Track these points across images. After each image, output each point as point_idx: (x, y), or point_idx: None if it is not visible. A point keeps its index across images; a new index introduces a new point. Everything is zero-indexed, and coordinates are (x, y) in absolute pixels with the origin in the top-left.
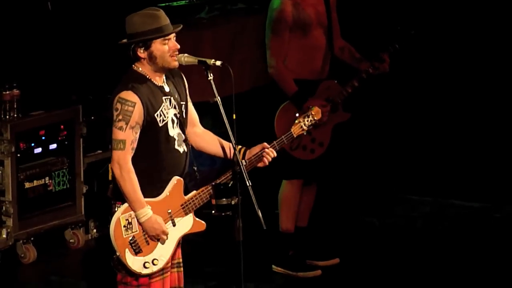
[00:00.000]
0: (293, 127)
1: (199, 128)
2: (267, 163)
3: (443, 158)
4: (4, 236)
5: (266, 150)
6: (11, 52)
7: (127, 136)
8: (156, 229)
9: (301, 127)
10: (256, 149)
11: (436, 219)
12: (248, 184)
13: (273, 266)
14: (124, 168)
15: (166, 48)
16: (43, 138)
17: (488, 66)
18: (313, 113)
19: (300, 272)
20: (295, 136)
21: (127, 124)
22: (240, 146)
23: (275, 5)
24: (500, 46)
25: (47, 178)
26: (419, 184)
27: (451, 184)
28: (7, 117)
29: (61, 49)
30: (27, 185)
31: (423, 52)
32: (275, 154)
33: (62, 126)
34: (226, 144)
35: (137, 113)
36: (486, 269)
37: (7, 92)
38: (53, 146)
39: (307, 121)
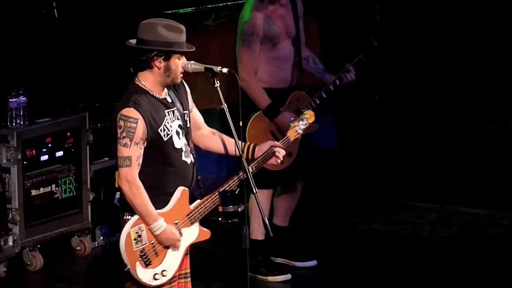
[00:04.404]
0: (288, 131)
1: (205, 129)
2: (281, 159)
3: (449, 165)
4: (11, 243)
5: (277, 148)
6: (18, 59)
7: (132, 152)
8: (172, 239)
9: (296, 131)
10: (265, 147)
11: (443, 226)
12: (254, 192)
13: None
14: (133, 184)
15: (180, 63)
16: (50, 145)
17: (491, 73)
18: (307, 116)
19: (270, 276)
20: (291, 140)
21: (131, 140)
22: (249, 143)
23: (245, 18)
24: (501, 53)
25: (53, 186)
26: (426, 191)
27: (457, 191)
28: (14, 124)
29: (67, 56)
30: (33, 192)
31: (430, 58)
32: (284, 152)
33: (68, 134)
34: (233, 141)
35: (141, 129)
36: (493, 276)
37: (14, 100)
38: (59, 153)
39: (302, 124)
